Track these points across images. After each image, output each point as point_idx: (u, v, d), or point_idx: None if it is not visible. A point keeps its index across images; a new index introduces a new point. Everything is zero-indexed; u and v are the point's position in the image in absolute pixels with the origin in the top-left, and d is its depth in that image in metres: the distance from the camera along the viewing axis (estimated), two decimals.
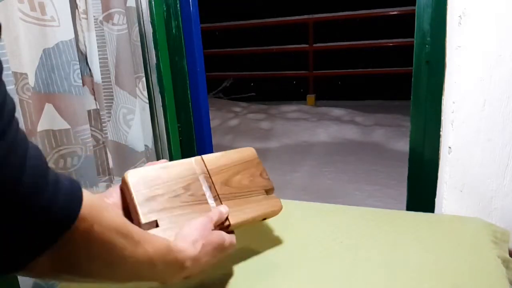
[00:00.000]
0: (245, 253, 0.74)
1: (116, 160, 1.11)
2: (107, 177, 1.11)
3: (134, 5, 1.09)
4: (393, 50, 4.39)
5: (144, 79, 1.14)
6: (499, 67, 0.78)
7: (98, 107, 1.06)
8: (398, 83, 4.38)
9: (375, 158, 2.83)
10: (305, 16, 4.53)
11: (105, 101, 1.06)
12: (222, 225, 0.61)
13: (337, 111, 3.87)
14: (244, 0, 5.12)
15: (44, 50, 0.90)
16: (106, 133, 1.08)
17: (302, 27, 4.65)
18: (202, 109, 1.27)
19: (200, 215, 0.58)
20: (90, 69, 1.03)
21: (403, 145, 2.85)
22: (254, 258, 0.73)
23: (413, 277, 0.65)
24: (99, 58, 1.03)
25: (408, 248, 0.73)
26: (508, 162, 0.82)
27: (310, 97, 4.67)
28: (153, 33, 1.16)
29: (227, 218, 0.62)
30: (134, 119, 1.10)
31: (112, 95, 1.07)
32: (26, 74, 0.86)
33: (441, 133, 0.91)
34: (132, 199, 0.56)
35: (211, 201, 0.64)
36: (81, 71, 0.99)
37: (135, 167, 1.12)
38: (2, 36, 0.82)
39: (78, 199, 0.35)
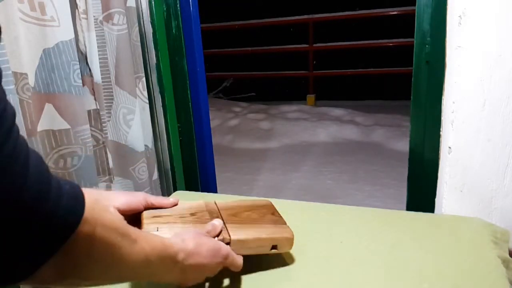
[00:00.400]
0: None
1: (116, 160, 1.11)
2: (107, 177, 1.11)
3: (134, 5, 1.09)
4: (393, 50, 4.39)
5: (144, 79, 1.14)
6: (499, 67, 0.77)
7: (98, 107, 1.06)
8: (398, 83, 4.38)
9: (375, 158, 2.83)
10: (305, 16, 4.53)
11: (105, 101, 1.06)
12: (222, 240, 0.63)
13: (337, 111, 3.87)
14: (244, 0, 5.12)
15: (44, 50, 0.90)
16: (106, 133, 1.08)
17: (302, 27, 4.65)
18: (202, 109, 1.27)
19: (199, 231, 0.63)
20: (90, 69, 1.03)
21: (403, 145, 2.85)
22: (253, 258, 0.73)
23: (413, 277, 0.65)
24: (99, 58, 1.03)
25: (408, 248, 0.73)
26: (508, 162, 0.82)
27: (310, 97, 4.68)
28: (153, 33, 1.16)
29: (221, 232, 0.63)
30: (134, 119, 1.10)
31: (112, 95, 1.07)
32: (26, 74, 0.86)
33: (441, 133, 0.91)
34: (141, 216, 0.64)
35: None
36: (81, 71, 0.99)
37: (135, 167, 1.12)
38: (2, 36, 0.82)
39: (80, 202, 0.36)
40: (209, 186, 1.35)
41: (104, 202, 0.58)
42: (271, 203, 0.78)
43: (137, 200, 0.64)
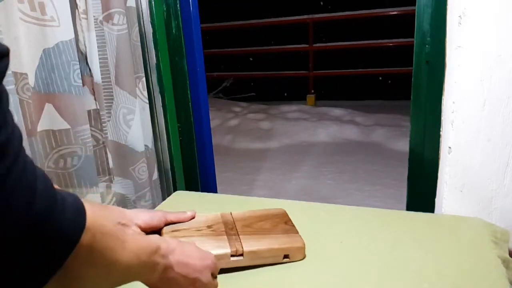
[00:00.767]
0: None
1: (116, 160, 1.11)
2: (107, 177, 1.11)
3: (134, 5, 1.09)
4: (393, 50, 4.39)
5: (144, 79, 1.14)
6: (499, 67, 0.77)
7: (98, 107, 1.06)
8: (398, 83, 4.38)
9: (375, 158, 2.82)
10: (305, 16, 4.53)
11: (105, 101, 1.06)
12: (235, 252, 0.67)
13: (337, 111, 3.86)
14: (244, 0, 5.12)
15: (44, 50, 0.90)
16: (106, 133, 1.08)
17: (302, 27, 4.65)
18: (202, 109, 1.27)
19: (214, 243, 0.68)
20: (90, 69, 1.03)
21: (403, 145, 2.85)
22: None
23: (413, 277, 0.65)
24: (99, 58, 1.03)
25: (408, 248, 0.73)
26: (508, 162, 0.82)
27: (310, 97, 4.67)
28: (153, 33, 1.16)
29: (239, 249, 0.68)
30: (134, 119, 1.10)
31: (112, 95, 1.07)
32: (26, 74, 0.87)
33: (441, 133, 0.91)
34: (161, 232, 0.70)
35: (229, 234, 0.71)
36: (81, 71, 0.99)
37: (135, 167, 1.12)
38: (2, 36, 0.82)
39: (83, 213, 0.36)
40: (209, 186, 1.35)
41: (126, 221, 0.64)
42: (284, 211, 0.81)
43: (158, 218, 0.72)
